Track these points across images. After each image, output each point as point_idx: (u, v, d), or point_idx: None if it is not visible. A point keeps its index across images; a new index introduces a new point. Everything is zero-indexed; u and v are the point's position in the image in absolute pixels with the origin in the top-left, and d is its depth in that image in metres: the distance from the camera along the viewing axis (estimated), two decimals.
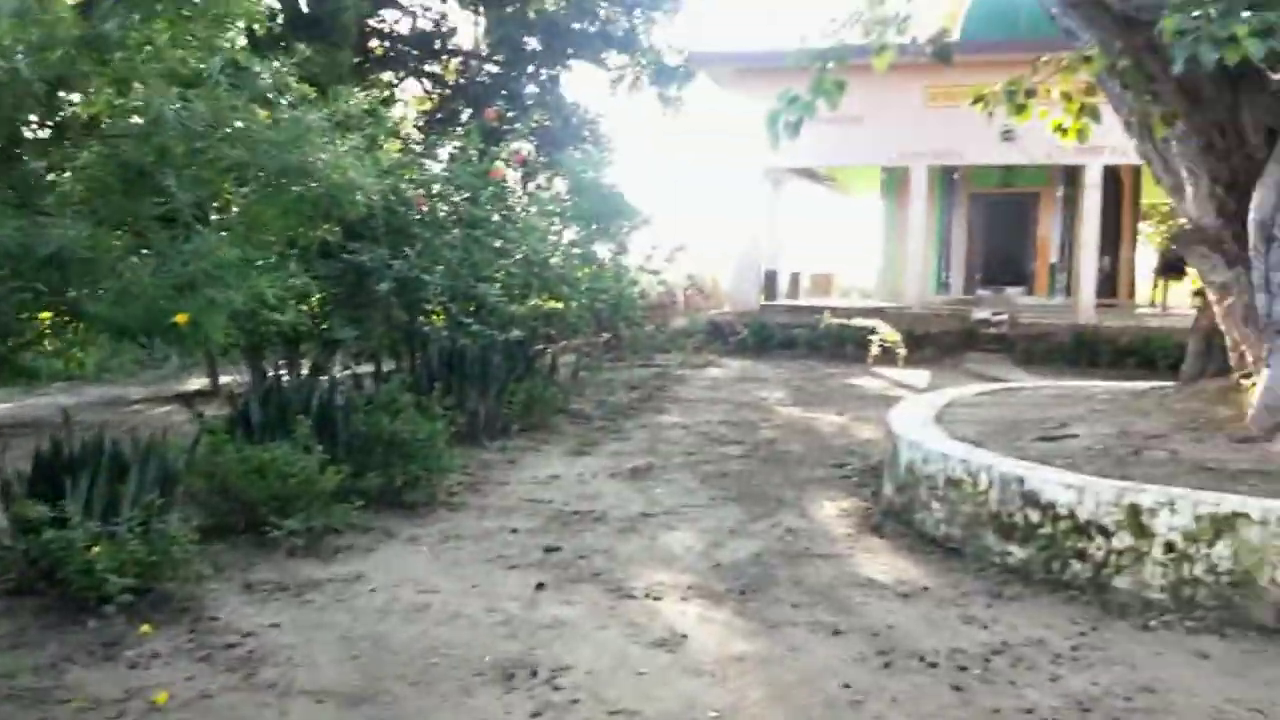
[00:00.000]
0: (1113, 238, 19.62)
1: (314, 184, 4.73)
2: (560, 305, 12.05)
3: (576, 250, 14.42)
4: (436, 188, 8.01)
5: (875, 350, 15.78)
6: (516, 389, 9.52)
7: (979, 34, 19.03)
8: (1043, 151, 17.45)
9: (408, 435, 6.75)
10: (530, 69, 25.89)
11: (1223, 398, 6.64)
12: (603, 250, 15.69)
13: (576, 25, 25.12)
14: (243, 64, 5.17)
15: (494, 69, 26.63)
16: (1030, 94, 7.25)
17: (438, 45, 27.11)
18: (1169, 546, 4.78)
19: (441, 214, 8.03)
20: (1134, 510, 4.93)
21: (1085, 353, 15.37)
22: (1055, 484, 5.26)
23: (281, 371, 7.81)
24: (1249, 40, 4.94)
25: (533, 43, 25.39)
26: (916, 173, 18.38)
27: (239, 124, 4.84)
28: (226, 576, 5.26)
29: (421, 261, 7.18)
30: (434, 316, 9.09)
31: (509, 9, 25.30)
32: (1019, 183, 19.78)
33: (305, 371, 8.26)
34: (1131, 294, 21.19)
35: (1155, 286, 20.11)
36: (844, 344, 16.41)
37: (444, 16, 26.92)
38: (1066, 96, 7.36)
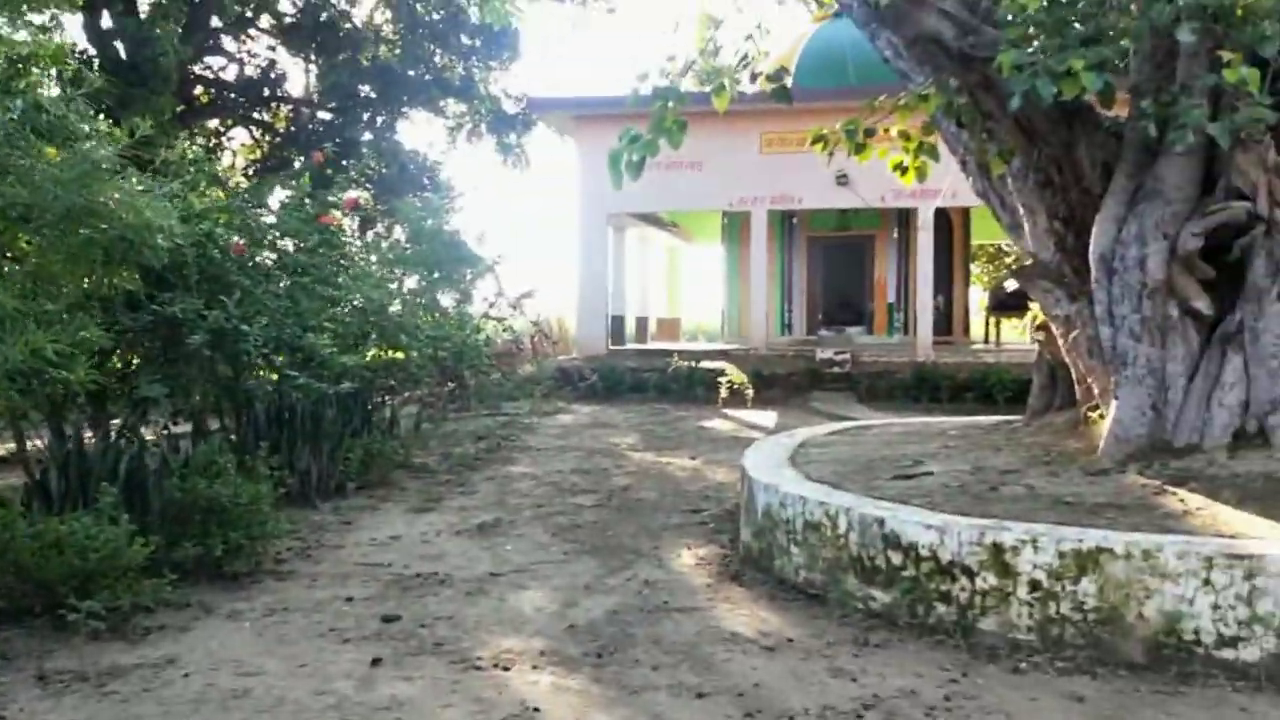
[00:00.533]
0: (946, 278, 20.28)
1: (105, 226, 4.19)
2: (401, 355, 11.57)
3: (418, 299, 13.98)
4: (260, 234, 7.44)
5: (724, 392, 15.74)
6: (353, 444, 8.98)
7: (810, 83, 19.48)
8: (877, 195, 18.00)
9: (228, 500, 6.16)
10: (365, 116, 25.27)
11: (1072, 431, 6.69)
12: (446, 298, 15.28)
13: (411, 72, 24.67)
14: (46, 107, 4.65)
15: (327, 116, 25.91)
16: (869, 134, 7.25)
17: (266, 92, 26.22)
18: (1034, 585, 4.67)
19: (266, 261, 7.48)
20: (997, 549, 4.80)
21: (926, 389, 15.70)
22: (916, 524, 5.11)
23: (86, 434, 7.09)
24: (1085, 74, 4.97)
25: (366, 90, 24.80)
26: (756, 217, 18.61)
27: (23, 162, 4.30)
28: (18, 667, 4.61)
29: (242, 311, 6.61)
30: (263, 371, 8.52)
31: (340, 56, 24.67)
32: (855, 226, 20.27)
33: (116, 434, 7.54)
34: (966, 331, 21.92)
35: (987, 323, 20.82)
36: (694, 386, 16.34)
37: (272, 64, 26.09)
38: (905, 136, 7.40)
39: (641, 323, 23.89)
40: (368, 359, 11.63)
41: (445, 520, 7.76)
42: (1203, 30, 4.99)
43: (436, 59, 25.21)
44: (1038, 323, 7.12)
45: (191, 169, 7.68)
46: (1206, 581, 4.33)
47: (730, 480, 9.18)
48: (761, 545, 6.18)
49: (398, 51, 24.69)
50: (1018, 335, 23.70)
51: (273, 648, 4.94)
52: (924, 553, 5.04)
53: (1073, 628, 4.59)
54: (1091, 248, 6.24)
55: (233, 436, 8.82)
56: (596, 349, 18.98)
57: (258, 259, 7.31)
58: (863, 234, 20.41)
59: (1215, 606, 4.31)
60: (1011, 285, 20.83)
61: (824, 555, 5.57)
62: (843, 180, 17.89)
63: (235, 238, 7.27)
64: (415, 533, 7.35)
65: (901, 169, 7.36)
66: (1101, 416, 6.41)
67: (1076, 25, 5.20)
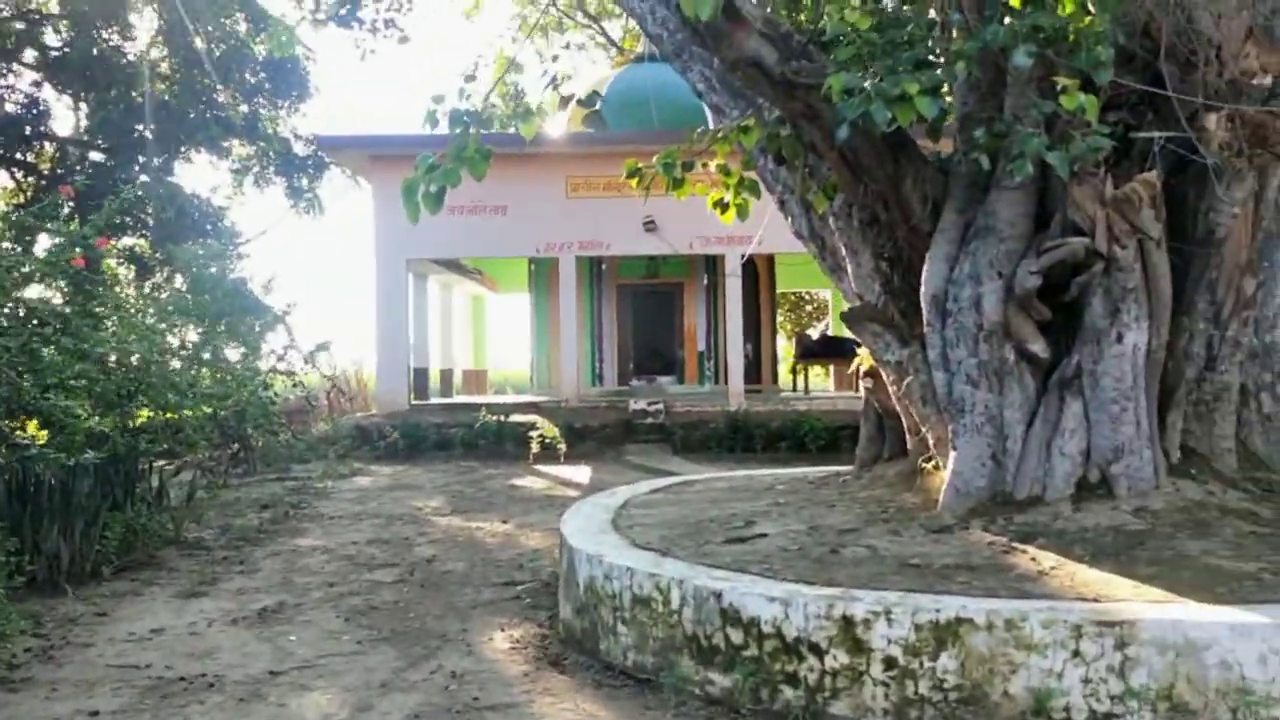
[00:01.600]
0: (754, 325, 20.28)
1: None
2: (173, 416, 10.36)
3: (199, 352, 12.73)
4: None
5: (535, 447, 15.03)
6: (113, 520, 7.80)
7: (615, 127, 19.25)
8: (685, 241, 17.81)
9: None
10: (140, 157, 23.47)
11: (906, 483, 6.33)
12: (231, 352, 14.08)
13: (190, 110, 23.08)
14: None
15: (98, 157, 23.93)
16: (688, 167, 6.79)
17: (29, 130, 24.05)
18: (889, 663, 4.17)
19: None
20: (847, 622, 4.29)
21: (740, 438, 15.46)
22: (757, 596, 4.56)
23: None
24: (920, 99, 4.61)
25: (141, 129, 23.02)
26: (564, 263, 18.10)
27: None
28: None
29: None
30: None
31: (112, 92, 22.85)
32: (664, 273, 20.05)
33: None
34: (774, 379, 21.99)
35: (795, 372, 20.94)
36: (503, 442, 15.56)
37: (35, 100, 23.97)
38: (724, 171, 6.96)
39: (446, 375, 22.91)
40: (138, 421, 10.43)
41: (220, 606, 6.73)
42: (1038, 55, 4.73)
43: (219, 96, 23.72)
44: (865, 369, 6.78)
45: None
46: (1075, 653, 3.92)
47: (546, 545, 8.48)
48: (584, 624, 5.50)
49: (175, 88, 23.06)
50: (822, 383, 24.07)
51: None
52: (766, 629, 4.49)
53: (933, 709, 4.10)
54: (923, 288, 5.93)
55: None
56: (398, 404, 17.92)
57: None
58: (672, 281, 20.19)
59: (1086, 680, 3.91)
60: (816, 333, 21.12)
61: (655, 634, 4.95)
62: (650, 226, 17.62)
63: None
64: (183, 623, 6.30)
65: (722, 206, 6.92)
66: (937, 467, 6.08)
67: (908, 48, 4.86)
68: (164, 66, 23.64)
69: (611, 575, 5.27)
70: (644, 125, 18.58)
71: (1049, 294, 5.45)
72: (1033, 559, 4.83)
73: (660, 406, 16.99)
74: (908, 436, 6.55)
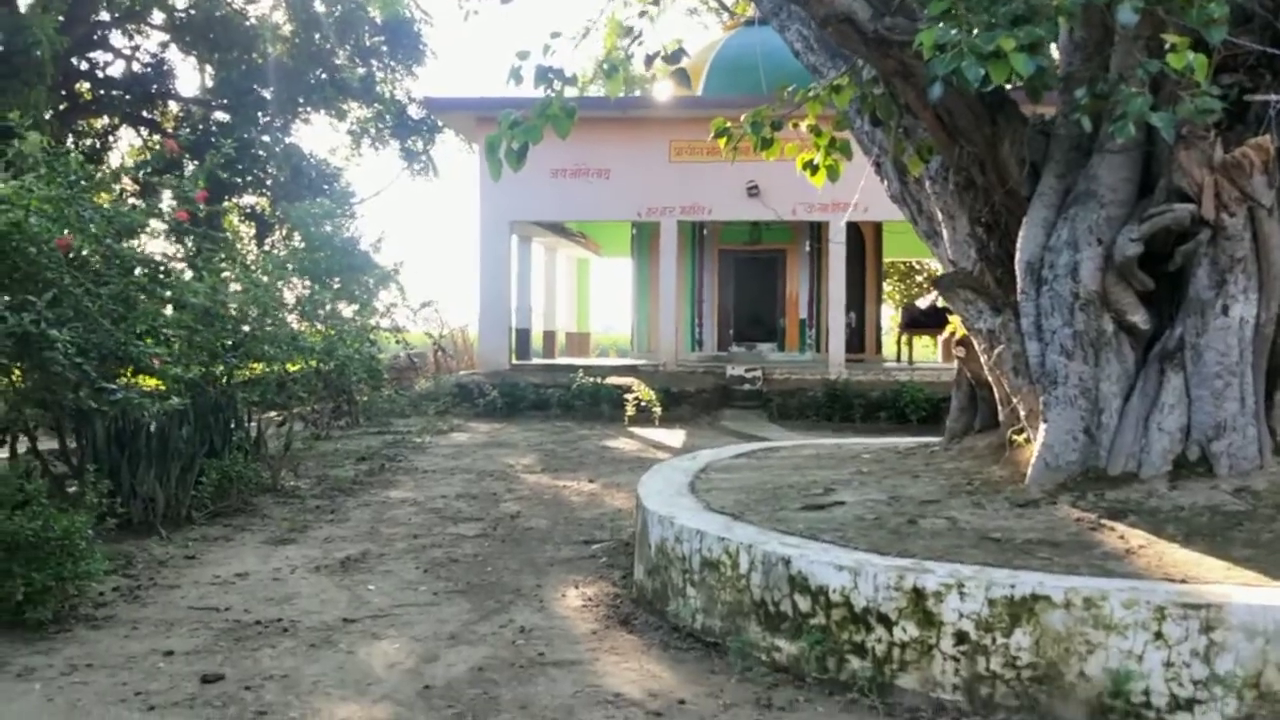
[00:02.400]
0: (858, 294, 19.87)
1: None
2: (277, 369, 10.67)
3: (310, 309, 13.02)
4: (93, 226, 6.49)
5: (631, 410, 15.04)
6: (209, 466, 8.06)
7: (720, 90, 18.99)
8: (788, 207, 17.52)
9: (32, 534, 5.24)
10: (260, 117, 24.09)
11: (995, 456, 6.12)
12: (345, 309, 14.39)
13: (308, 73, 23.58)
14: None
15: (220, 117, 24.64)
16: (776, 127, 6.61)
17: (155, 90, 24.89)
18: (960, 637, 4.03)
19: (94, 259, 6.53)
20: (917, 595, 4.16)
21: (838, 407, 15.21)
22: (826, 565, 4.45)
23: None
24: (1015, 56, 4.38)
25: (261, 90, 23.63)
26: (666, 227, 17.99)
27: None
28: None
29: (57, 314, 5.69)
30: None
31: (234, 53, 23.49)
32: (767, 240, 19.77)
33: None
34: (878, 349, 21.56)
35: (900, 342, 20.49)
36: (599, 403, 15.61)
37: (162, 61, 24.79)
38: (815, 131, 6.76)
39: (549, 337, 23.10)
40: (245, 374, 10.76)
41: (305, 554, 6.91)
42: (1144, 11, 4.43)
43: (336, 59, 24.18)
44: (958, 338, 6.55)
45: (47, 162, 6.74)
46: (1158, 635, 3.72)
47: (629, 506, 8.47)
48: (655, 585, 5.47)
49: (294, 50, 23.57)
50: (929, 354, 23.50)
51: (62, 716, 4.08)
52: (835, 598, 4.38)
53: (1005, 687, 3.95)
54: (1018, 255, 5.68)
55: (70, 460, 7.88)
56: (499, 363, 18.15)
57: (85, 254, 6.35)
58: (775, 248, 19.91)
59: (1168, 664, 3.71)
60: (924, 303, 20.60)
61: (723, 599, 4.89)
62: (753, 191, 17.39)
63: (64, 231, 6.33)
64: (267, 569, 6.48)
65: (811, 168, 6.73)
66: (1028, 440, 5.84)
67: (1005, 2, 4.61)
68: (284, 29, 24.15)
69: (682, 538, 5.22)
70: (754, 91, 18.25)
71: (1151, 263, 5.16)
72: (1121, 537, 4.60)
73: (758, 373, 16.82)
74: (999, 407, 6.32)
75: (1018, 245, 5.70)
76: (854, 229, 18.57)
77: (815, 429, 14.63)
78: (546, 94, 5.97)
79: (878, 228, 20.49)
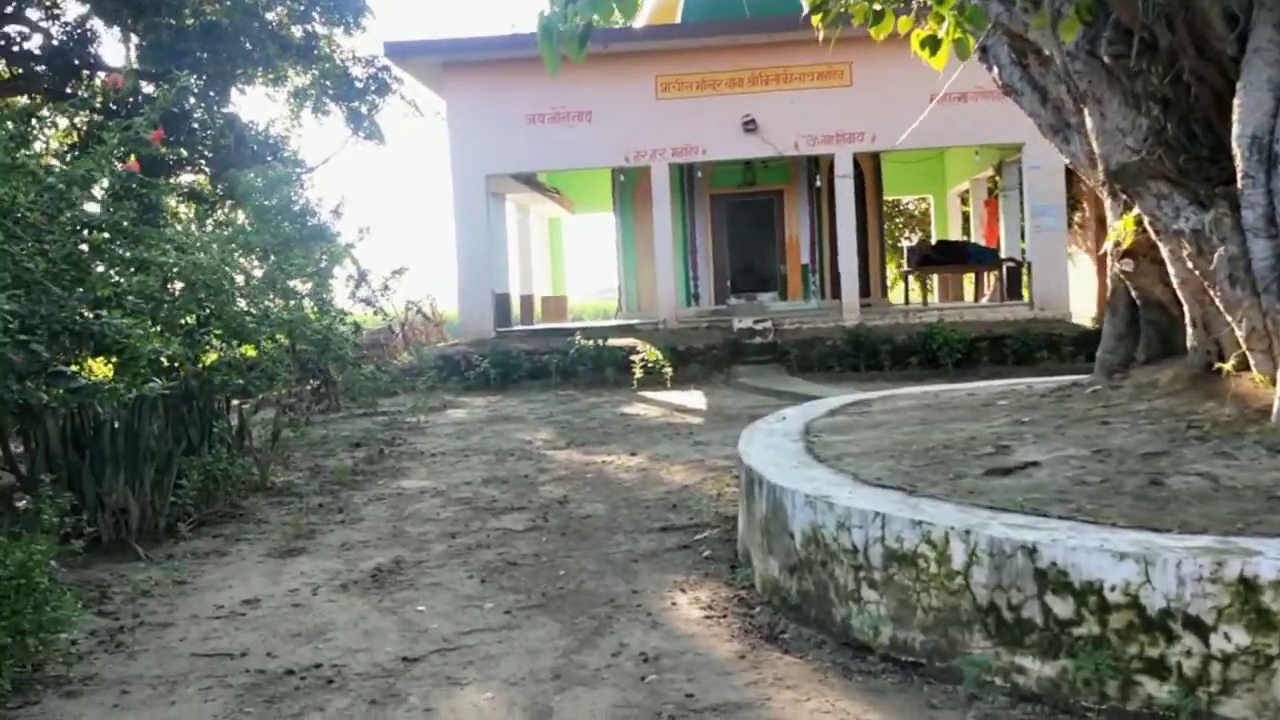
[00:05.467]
0: (860, 235, 18.55)
1: None
2: (250, 350, 9.22)
3: (267, 287, 11.63)
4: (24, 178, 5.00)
5: (639, 372, 13.72)
6: (188, 466, 6.65)
7: (702, 16, 17.55)
8: (788, 142, 16.19)
9: None
10: (194, 84, 22.22)
11: (1197, 390, 4.89)
12: (301, 284, 12.94)
13: (244, 36, 21.74)
14: None
15: (151, 88, 22.72)
16: None
17: (78, 63, 22.90)
18: None
19: (31, 214, 5.02)
20: (1247, 586, 2.91)
21: (863, 355, 14.01)
22: (1095, 552, 3.18)
23: None
24: None
25: (194, 54, 21.72)
26: (657, 172, 16.55)
27: None
28: None
29: None
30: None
31: (161, 18, 21.55)
32: (761, 180, 18.41)
33: None
34: (884, 293, 20.36)
35: (907, 283, 19.31)
36: (602, 368, 14.26)
37: (84, 32, 22.77)
38: None
39: (526, 301, 21.61)
40: (210, 357, 9.37)
41: (323, 566, 5.53)
42: None
43: (271, 15, 22.37)
44: (1122, 248, 5.28)
45: None
46: None
47: (694, 480, 7.18)
48: (805, 586, 4.17)
49: (228, 9, 21.69)
50: (918, 297, 22.46)
51: None
52: (1115, 598, 3.12)
53: None
54: (1236, 130, 4.41)
55: (17, 468, 6.42)
56: (483, 332, 16.67)
57: (19, 209, 4.84)
58: (770, 189, 18.52)
59: None
60: (915, 241, 19.42)
61: (926, 604, 3.60)
62: (750, 126, 16.04)
63: None
64: (281, 591, 5.12)
65: (932, 45, 5.36)
66: (1246, 367, 4.61)
67: None
68: None
69: (849, 522, 3.92)
70: (737, 13, 16.89)
71: None
72: None
73: (768, 324, 15.56)
74: (1190, 330, 5.07)
75: (1234, 118, 4.42)
76: (853, 165, 17.25)
77: (843, 380, 13.42)
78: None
79: (876, 163, 19.20)
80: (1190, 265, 4.71)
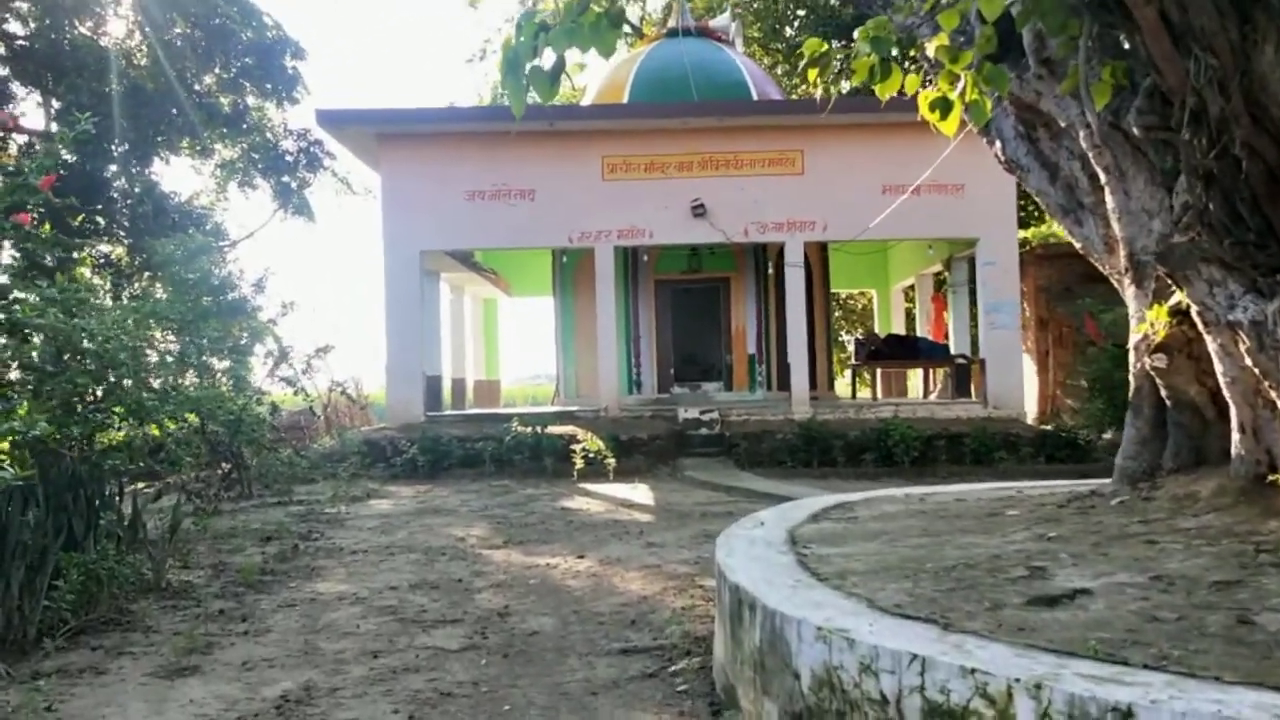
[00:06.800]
0: (808, 328, 18.08)
1: None
2: (154, 430, 8.30)
3: (181, 361, 10.72)
4: None
5: (579, 463, 12.88)
6: (68, 563, 5.67)
7: (649, 98, 17.19)
8: (738, 228, 15.73)
9: None
10: (115, 151, 21.28)
11: (1249, 504, 4.24)
12: (218, 360, 12.02)
13: (170, 102, 20.90)
14: None
15: (70, 157, 21.66)
16: (908, 44, 4.69)
17: None
18: None
19: None
20: None
21: (816, 451, 13.33)
22: (1212, 718, 2.46)
23: None
24: None
25: (116, 120, 20.78)
26: (601, 254, 15.92)
27: None
28: None
29: None
30: None
31: (83, 78, 20.62)
32: (707, 267, 17.87)
33: None
34: (831, 386, 19.80)
35: (855, 377, 18.80)
36: (541, 457, 13.38)
37: (1, 94, 21.75)
38: (949, 55, 4.79)
39: (458, 385, 20.68)
40: (109, 438, 8.43)
41: (218, 692, 4.60)
42: None
43: (200, 85, 21.60)
44: (1155, 342, 4.69)
45: None
46: None
47: (652, 591, 6.37)
48: None
49: (153, 74, 20.86)
50: (863, 391, 21.97)
51: None
52: None
53: None
54: None
55: None
56: (412, 416, 15.70)
57: None
58: (716, 276, 17.97)
59: None
60: (863, 335, 18.99)
61: None
62: (699, 210, 15.55)
63: None
64: None
65: (943, 108, 4.76)
66: None
67: None
68: (141, 56, 21.49)
69: (876, 665, 3.16)
70: (684, 96, 16.55)
71: None
72: None
73: (715, 415, 14.88)
74: (1236, 436, 4.45)
75: None
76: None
77: (795, 476, 12.73)
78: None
79: (824, 254, 18.82)
80: (1248, 361, 4.10)
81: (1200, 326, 4.32)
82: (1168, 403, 4.87)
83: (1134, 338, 4.97)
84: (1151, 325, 4.70)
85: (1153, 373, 4.79)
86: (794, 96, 23.03)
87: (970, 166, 13.04)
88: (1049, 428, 14.45)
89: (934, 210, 15.09)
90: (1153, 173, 4.81)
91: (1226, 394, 4.37)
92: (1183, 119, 4.33)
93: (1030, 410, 17.42)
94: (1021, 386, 16.15)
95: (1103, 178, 4.98)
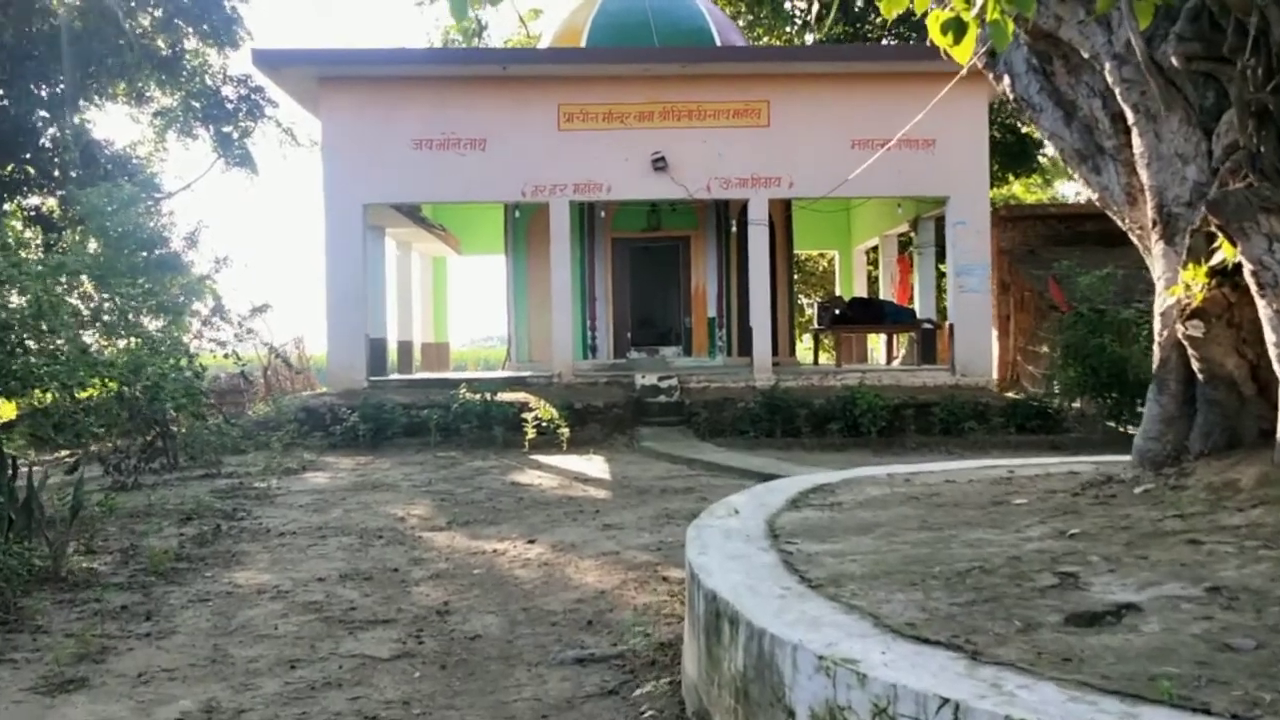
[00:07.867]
0: (770, 290, 17.42)
1: None
2: (56, 398, 7.54)
3: (113, 321, 9.98)
4: None
5: (531, 432, 12.20)
6: None
7: (609, 43, 16.36)
8: (700, 183, 15.02)
9: None
10: (43, 94, 20.11)
11: None
12: (151, 319, 11.24)
13: (104, 40, 19.73)
14: None
15: None
16: None
17: None
18: None
19: None
20: None
21: (780, 420, 12.72)
22: None
23: None
24: None
25: (43, 59, 19.58)
26: (556, 210, 15.13)
27: None
28: None
29: None
30: None
31: (5, 18, 19.38)
32: (667, 225, 17.15)
33: None
34: (793, 352, 19.20)
35: (817, 342, 18.22)
36: (490, 426, 12.66)
37: None
38: None
39: (405, 348, 19.83)
40: (14, 407, 7.65)
41: (105, 715, 3.90)
42: None
43: (134, 24, 20.41)
44: (1191, 306, 4.08)
45: None
46: None
47: (611, 585, 5.73)
48: None
49: (85, 13, 19.65)
50: (825, 357, 21.46)
51: None
52: None
53: None
54: None
55: None
56: (354, 381, 14.88)
57: None
58: (676, 235, 17.25)
59: None
60: (827, 299, 18.38)
61: None
62: (660, 164, 14.81)
63: None
64: None
65: (956, 29, 4.08)
66: None
67: None
68: None
69: (895, 709, 2.54)
70: (644, 44, 15.74)
71: None
72: None
73: (674, 383, 14.23)
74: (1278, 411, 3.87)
75: None
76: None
77: (759, 447, 12.14)
78: None
79: (788, 212, 18.16)
80: None
81: (1254, 289, 3.71)
82: (1199, 376, 4.27)
83: (1161, 301, 4.36)
84: (1187, 288, 4.08)
85: (1185, 341, 4.19)
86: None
87: (942, 120, 12.38)
88: (1019, 397, 13.97)
89: (903, 166, 14.45)
90: (1189, 111, 4.19)
91: (1277, 367, 3.77)
92: (1237, 44, 3.70)
93: (991, 376, 16.97)
94: (990, 353, 15.66)
95: (1130, 117, 4.35)
